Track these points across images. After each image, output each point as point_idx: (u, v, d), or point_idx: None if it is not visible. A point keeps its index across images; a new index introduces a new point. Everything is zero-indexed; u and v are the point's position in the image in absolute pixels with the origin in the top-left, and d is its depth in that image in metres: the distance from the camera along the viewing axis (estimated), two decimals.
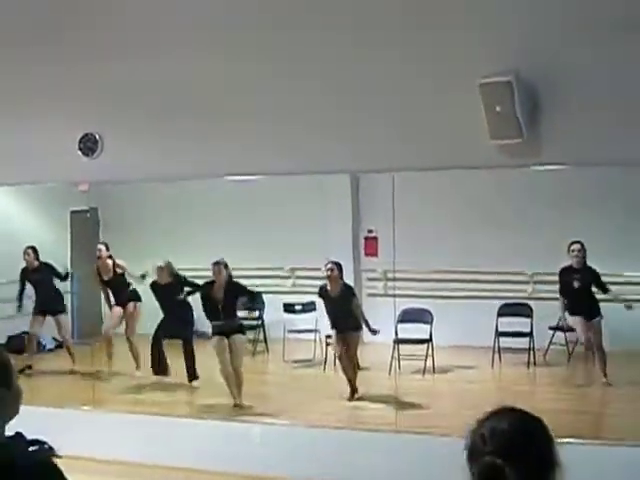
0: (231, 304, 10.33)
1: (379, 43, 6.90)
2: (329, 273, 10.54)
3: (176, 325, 11.05)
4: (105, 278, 11.89)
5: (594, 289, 10.39)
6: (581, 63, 6.33)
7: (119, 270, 11.80)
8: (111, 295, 11.90)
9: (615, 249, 10.92)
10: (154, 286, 11.26)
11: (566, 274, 10.33)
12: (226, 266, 10.31)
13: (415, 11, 6.80)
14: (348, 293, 10.55)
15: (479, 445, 2.48)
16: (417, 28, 6.79)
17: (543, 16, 6.42)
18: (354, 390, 10.05)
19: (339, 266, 10.61)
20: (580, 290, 10.25)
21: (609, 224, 10.99)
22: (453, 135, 6.72)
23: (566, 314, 10.52)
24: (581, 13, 6.30)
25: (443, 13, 6.70)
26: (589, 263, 10.28)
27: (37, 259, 12.03)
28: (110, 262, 11.84)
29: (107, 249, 11.93)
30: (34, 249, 12.05)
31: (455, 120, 6.66)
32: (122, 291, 11.78)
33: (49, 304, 11.79)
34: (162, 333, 11.03)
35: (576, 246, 10.28)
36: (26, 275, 11.95)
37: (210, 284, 10.33)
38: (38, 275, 11.95)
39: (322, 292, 10.65)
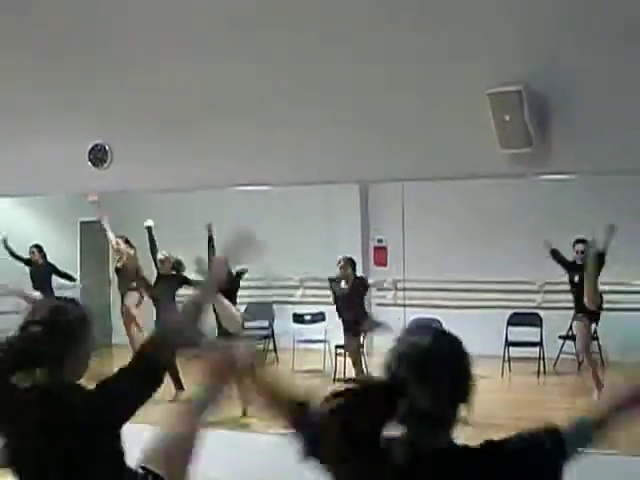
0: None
1: (386, 52, 6.90)
2: (342, 268, 10.59)
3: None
4: (118, 265, 12.06)
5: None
6: (591, 72, 6.33)
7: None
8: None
9: (625, 258, 10.90)
10: (157, 277, 11.30)
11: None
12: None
13: (423, 21, 6.80)
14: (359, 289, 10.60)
15: (394, 364, 2.47)
16: (426, 38, 6.79)
17: (553, 25, 6.41)
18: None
19: (352, 261, 10.63)
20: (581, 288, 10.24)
21: (619, 233, 10.97)
22: (462, 145, 6.71)
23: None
24: (592, 22, 6.29)
25: (451, 22, 6.69)
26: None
27: (43, 258, 12.08)
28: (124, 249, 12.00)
29: (126, 242, 12.09)
30: (39, 247, 12.08)
31: (464, 130, 6.66)
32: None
33: None
34: None
35: (579, 246, 10.26)
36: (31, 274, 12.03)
37: None
38: (38, 275, 12.00)
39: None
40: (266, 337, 13.01)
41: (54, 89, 8.11)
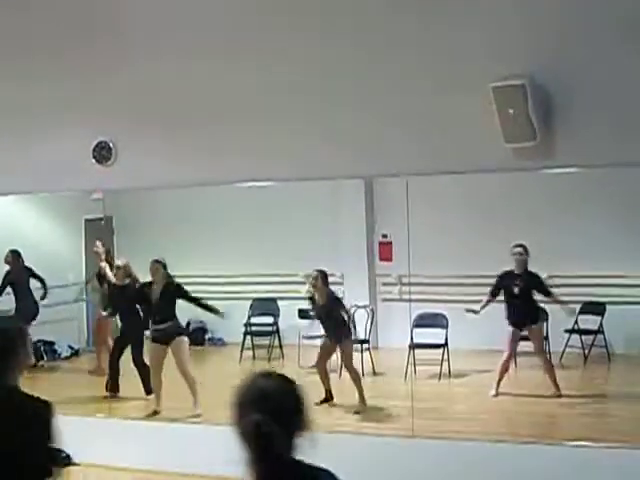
0: (168, 306, 9.87)
1: (391, 47, 6.90)
2: (313, 282, 10.50)
3: (129, 333, 10.90)
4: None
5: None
6: (594, 65, 6.32)
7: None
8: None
9: (629, 251, 10.87)
10: (110, 288, 11.06)
11: (507, 278, 10.31)
12: (165, 266, 9.95)
13: (428, 15, 6.79)
14: (335, 303, 10.48)
15: (244, 409, 2.84)
16: (430, 32, 6.79)
17: (556, 19, 6.41)
18: (329, 396, 10.23)
19: (324, 275, 10.56)
20: (519, 296, 10.22)
21: (624, 226, 10.95)
22: (467, 139, 6.70)
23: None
24: (595, 16, 6.28)
25: (456, 17, 6.69)
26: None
27: (20, 262, 12.06)
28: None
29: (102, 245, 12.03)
30: (16, 253, 12.07)
31: (469, 124, 6.65)
32: None
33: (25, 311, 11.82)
34: (121, 345, 10.83)
35: (517, 249, 10.26)
36: (8, 279, 11.98)
37: (149, 284, 10.02)
38: (17, 279, 11.99)
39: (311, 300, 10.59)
40: (271, 333, 13.00)
41: (57, 87, 8.11)
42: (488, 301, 10.38)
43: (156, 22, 7.75)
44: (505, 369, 10.19)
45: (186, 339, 9.98)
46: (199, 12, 7.57)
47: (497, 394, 10.05)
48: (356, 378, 10.17)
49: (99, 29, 7.92)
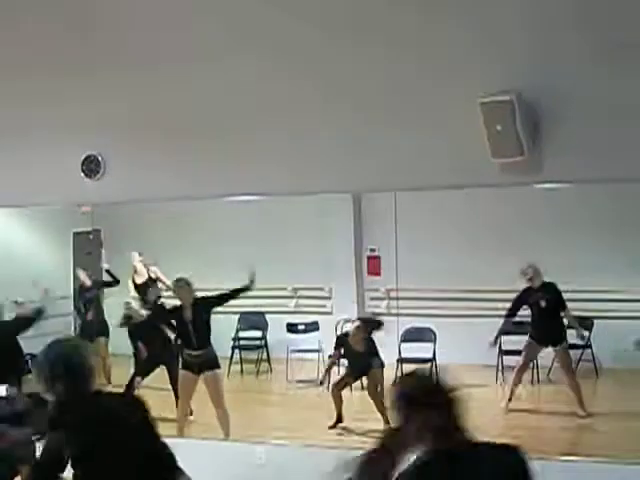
0: (203, 327, 9.41)
1: (379, 62, 6.91)
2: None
3: None
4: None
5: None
6: (582, 81, 6.35)
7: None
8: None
9: (616, 267, 10.93)
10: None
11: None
12: (188, 284, 9.43)
13: (415, 30, 6.81)
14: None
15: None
16: (418, 47, 6.81)
17: (544, 35, 6.44)
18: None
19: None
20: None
21: (612, 241, 11.00)
22: (454, 154, 6.72)
23: None
24: (583, 32, 6.32)
25: (444, 31, 6.71)
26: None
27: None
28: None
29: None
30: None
31: (456, 139, 6.67)
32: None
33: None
34: None
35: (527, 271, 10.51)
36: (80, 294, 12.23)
37: (179, 308, 9.43)
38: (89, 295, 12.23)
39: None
40: (260, 347, 13.01)
41: (46, 100, 8.10)
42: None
43: (149, 33, 7.75)
44: None
45: (220, 372, 9.53)
46: (191, 25, 7.58)
47: None
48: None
49: (91, 42, 7.91)
